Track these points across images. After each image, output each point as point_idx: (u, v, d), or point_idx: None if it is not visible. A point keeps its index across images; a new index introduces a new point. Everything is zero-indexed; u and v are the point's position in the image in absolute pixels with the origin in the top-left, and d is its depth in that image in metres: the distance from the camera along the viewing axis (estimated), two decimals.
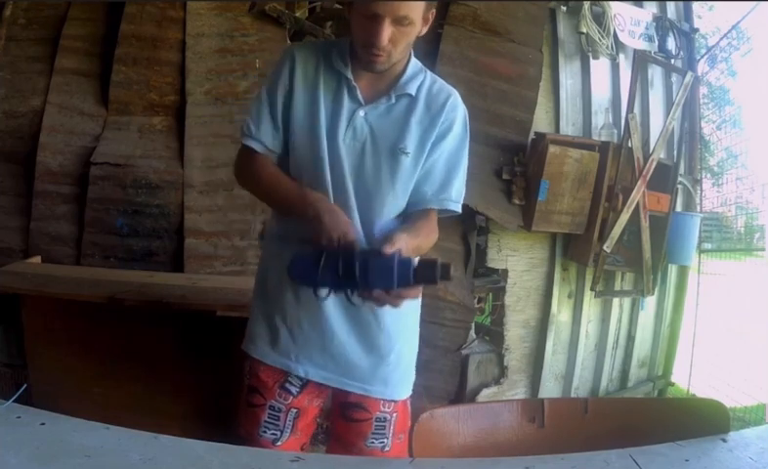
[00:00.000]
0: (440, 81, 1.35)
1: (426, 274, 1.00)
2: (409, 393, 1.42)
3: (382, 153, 1.28)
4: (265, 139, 1.31)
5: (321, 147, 1.27)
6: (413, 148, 1.28)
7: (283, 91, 1.30)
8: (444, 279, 1.00)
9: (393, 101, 1.29)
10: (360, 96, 1.28)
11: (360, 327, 1.33)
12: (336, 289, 1.11)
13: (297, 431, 1.39)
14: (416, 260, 1.02)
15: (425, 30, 1.26)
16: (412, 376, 1.43)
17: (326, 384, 1.36)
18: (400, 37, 1.19)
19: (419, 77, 1.31)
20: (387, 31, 1.16)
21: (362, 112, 1.28)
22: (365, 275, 1.02)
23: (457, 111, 1.32)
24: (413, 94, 1.29)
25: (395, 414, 1.38)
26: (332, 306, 1.31)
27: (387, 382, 1.36)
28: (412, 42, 1.25)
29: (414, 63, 1.33)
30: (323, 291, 1.12)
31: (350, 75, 1.28)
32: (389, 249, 1.02)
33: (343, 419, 1.39)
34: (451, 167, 1.32)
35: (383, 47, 1.18)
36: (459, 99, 1.34)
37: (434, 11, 1.25)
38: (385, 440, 1.37)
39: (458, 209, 1.34)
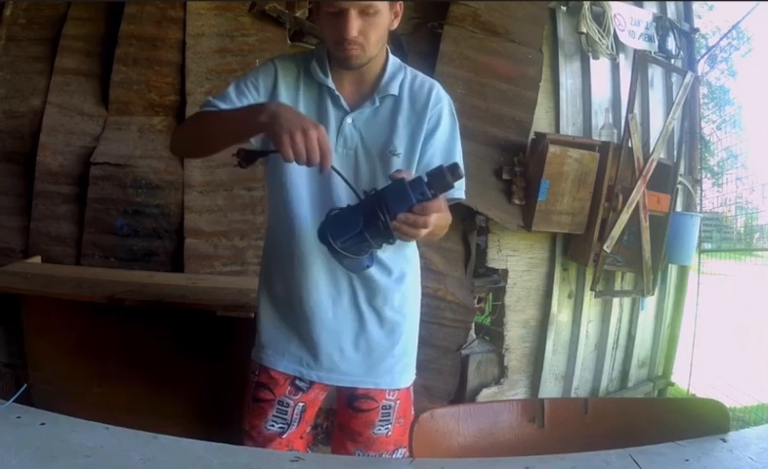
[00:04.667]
0: (420, 75, 1.35)
1: (438, 180, 0.99)
2: (412, 379, 1.46)
3: (374, 157, 1.29)
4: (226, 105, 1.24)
5: None
6: (404, 148, 1.29)
7: (266, 94, 1.28)
8: (456, 179, 1.00)
9: (377, 103, 1.29)
10: (344, 103, 1.28)
11: (367, 327, 1.36)
12: (372, 233, 1.04)
13: (302, 422, 1.43)
14: (425, 175, 1.01)
15: (396, 23, 1.26)
16: (414, 364, 1.47)
17: (339, 385, 1.40)
18: (369, 29, 1.19)
19: (399, 76, 1.31)
20: (355, 23, 1.16)
21: (349, 120, 1.28)
22: (386, 203, 1.01)
23: (443, 103, 1.32)
24: (396, 94, 1.29)
25: (398, 401, 1.42)
26: (340, 310, 1.34)
27: (392, 372, 1.41)
28: (385, 36, 1.25)
29: (393, 62, 1.32)
30: (365, 246, 1.05)
31: (331, 84, 1.27)
32: (396, 176, 1.01)
33: (351, 410, 1.42)
34: (449, 158, 1.32)
35: (353, 39, 1.17)
36: (442, 89, 1.34)
37: (402, 4, 1.26)
38: (389, 426, 1.42)
39: (463, 195, 1.35)
